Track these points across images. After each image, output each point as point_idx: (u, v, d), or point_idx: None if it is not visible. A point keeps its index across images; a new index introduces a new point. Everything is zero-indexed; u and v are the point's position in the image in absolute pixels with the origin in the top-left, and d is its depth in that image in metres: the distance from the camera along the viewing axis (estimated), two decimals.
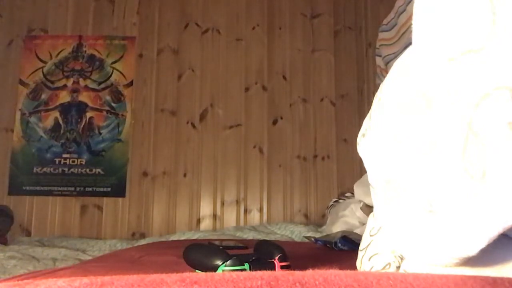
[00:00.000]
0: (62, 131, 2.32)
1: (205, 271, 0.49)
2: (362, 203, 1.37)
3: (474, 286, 0.25)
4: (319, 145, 2.34)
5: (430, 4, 0.35)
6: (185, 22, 2.45)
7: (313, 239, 1.18)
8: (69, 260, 1.51)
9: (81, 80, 2.38)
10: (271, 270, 0.50)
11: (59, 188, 2.27)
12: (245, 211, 2.28)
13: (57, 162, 2.29)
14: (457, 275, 0.27)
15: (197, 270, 0.54)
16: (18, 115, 2.34)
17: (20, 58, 2.40)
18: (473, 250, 0.30)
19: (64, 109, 2.35)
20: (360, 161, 0.50)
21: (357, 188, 1.41)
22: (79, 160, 2.30)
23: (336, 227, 1.38)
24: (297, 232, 1.86)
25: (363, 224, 1.33)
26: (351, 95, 2.39)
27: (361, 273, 0.27)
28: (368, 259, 0.47)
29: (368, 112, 0.46)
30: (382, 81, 0.45)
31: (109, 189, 2.28)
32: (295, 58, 2.42)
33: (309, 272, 0.26)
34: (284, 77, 2.41)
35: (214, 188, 2.30)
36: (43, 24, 2.44)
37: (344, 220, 1.40)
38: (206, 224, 2.26)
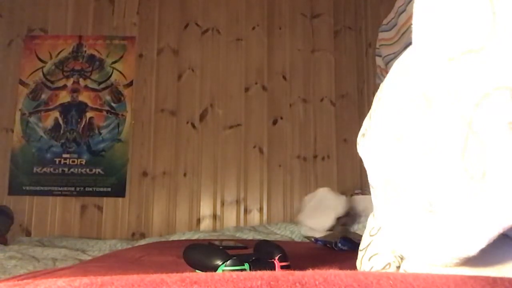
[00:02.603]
0: (62, 131, 2.32)
1: (205, 271, 0.49)
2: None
3: (474, 286, 0.25)
4: (319, 145, 2.34)
5: (430, 4, 0.35)
6: (185, 22, 2.45)
7: (313, 239, 1.18)
8: (69, 260, 1.51)
9: (81, 80, 2.38)
10: (271, 270, 0.50)
11: (59, 188, 2.27)
12: (245, 211, 2.28)
13: (57, 162, 2.29)
14: (457, 275, 0.27)
15: (197, 270, 0.53)
16: (18, 115, 2.34)
17: (20, 58, 2.40)
18: (473, 250, 0.30)
19: (64, 109, 2.35)
20: (360, 161, 0.50)
21: (301, 220, 1.45)
22: (79, 160, 2.30)
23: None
24: (297, 232, 1.86)
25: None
26: (351, 95, 2.39)
27: (361, 273, 0.27)
28: (368, 259, 0.47)
29: (368, 112, 0.46)
30: (382, 81, 0.45)
31: (109, 189, 2.28)
32: (295, 58, 2.42)
33: (309, 272, 0.26)
34: (284, 77, 2.41)
35: (214, 188, 2.29)
36: (43, 24, 2.44)
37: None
38: (206, 224, 2.26)
